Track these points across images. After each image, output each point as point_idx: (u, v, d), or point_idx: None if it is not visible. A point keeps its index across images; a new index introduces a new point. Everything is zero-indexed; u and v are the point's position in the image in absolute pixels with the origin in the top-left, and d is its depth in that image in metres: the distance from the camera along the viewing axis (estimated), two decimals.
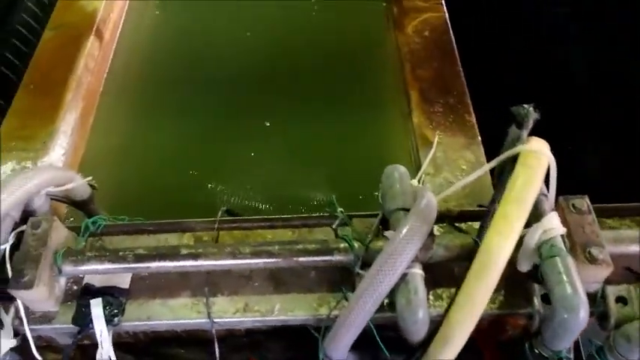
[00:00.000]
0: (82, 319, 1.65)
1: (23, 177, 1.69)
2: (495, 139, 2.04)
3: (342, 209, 1.72)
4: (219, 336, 1.68)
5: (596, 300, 1.56)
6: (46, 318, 1.68)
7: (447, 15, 2.56)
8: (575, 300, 1.34)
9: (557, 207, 1.57)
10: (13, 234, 1.70)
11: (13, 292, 1.56)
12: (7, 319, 1.64)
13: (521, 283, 1.58)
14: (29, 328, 1.64)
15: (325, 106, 2.86)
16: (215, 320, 1.63)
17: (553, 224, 1.44)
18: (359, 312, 1.42)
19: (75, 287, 1.73)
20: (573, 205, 1.58)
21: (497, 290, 1.41)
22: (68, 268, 1.64)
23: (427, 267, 1.54)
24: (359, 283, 1.47)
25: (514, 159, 1.53)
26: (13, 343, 1.63)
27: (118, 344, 1.72)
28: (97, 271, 1.64)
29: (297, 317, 1.63)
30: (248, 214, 2.52)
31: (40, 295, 1.59)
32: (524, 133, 1.47)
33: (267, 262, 1.58)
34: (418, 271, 1.48)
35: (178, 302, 1.67)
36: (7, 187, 1.64)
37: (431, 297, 1.61)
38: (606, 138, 3.05)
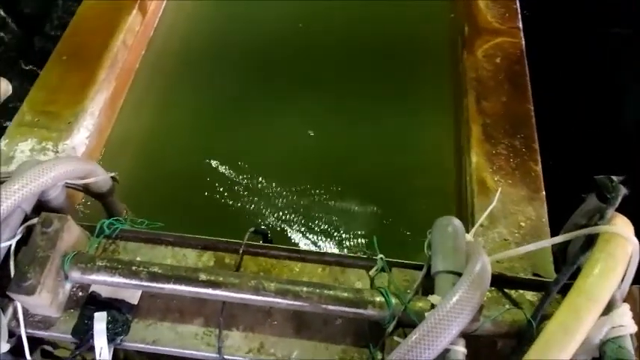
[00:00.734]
0: (83, 332, 1.57)
1: (40, 169, 1.60)
2: (561, 193, 1.91)
3: (382, 255, 1.59)
4: None
5: None
6: (46, 324, 1.60)
7: (523, 42, 2.38)
8: None
9: (629, 297, 1.42)
10: (21, 228, 1.61)
11: (13, 296, 1.48)
12: (4, 320, 1.56)
13: None
14: (26, 332, 1.56)
15: (370, 118, 2.76)
16: (225, 357, 1.53)
17: (624, 321, 1.30)
18: None
19: (80, 293, 1.65)
20: None
21: None
22: (75, 275, 1.55)
23: (468, 336, 1.42)
24: (391, 350, 1.35)
25: (590, 236, 1.39)
26: (6, 348, 1.55)
27: None
28: (105, 283, 1.55)
29: None
30: (282, 211, 2.48)
31: (41, 302, 1.51)
32: (609, 211, 1.32)
33: (291, 304, 1.47)
34: (461, 349, 1.35)
35: (188, 329, 1.58)
36: (21, 179, 1.56)
37: None
38: None
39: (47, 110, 2.17)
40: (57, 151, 2.05)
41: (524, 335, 1.43)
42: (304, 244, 2.42)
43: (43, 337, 1.61)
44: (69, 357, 1.55)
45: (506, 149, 2.01)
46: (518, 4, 2.54)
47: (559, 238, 1.49)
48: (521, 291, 1.60)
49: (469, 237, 1.54)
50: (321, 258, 1.68)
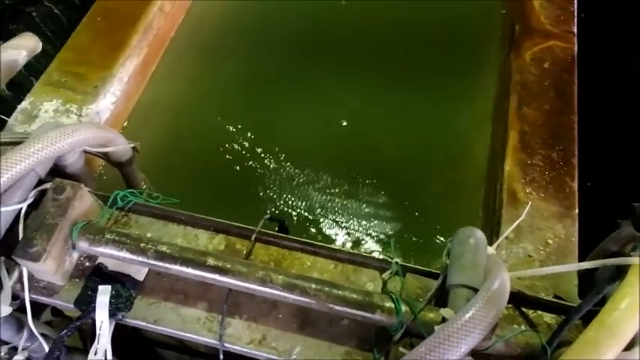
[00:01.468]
0: (86, 303, 1.57)
1: (58, 133, 1.59)
2: (595, 214, 1.83)
3: (398, 259, 1.54)
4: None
5: None
6: (50, 290, 1.61)
7: (576, 48, 2.27)
8: None
9: None
10: (34, 192, 1.61)
11: (19, 260, 1.48)
12: (8, 282, 1.57)
13: None
14: (30, 297, 1.57)
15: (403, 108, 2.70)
16: (225, 345, 1.51)
17: None
18: None
19: (87, 264, 1.64)
20: None
21: None
22: (83, 246, 1.55)
23: (476, 354, 1.38)
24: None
25: (620, 266, 1.33)
26: (8, 311, 1.56)
27: None
28: (112, 256, 1.54)
29: None
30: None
31: (46, 269, 1.51)
32: None
33: (297, 300, 1.44)
34: None
35: (191, 313, 1.56)
36: (38, 142, 1.55)
37: None
38: None
39: (75, 71, 2.16)
40: (80, 115, 2.04)
41: None
42: (321, 235, 2.39)
43: (46, 303, 1.61)
44: (70, 327, 1.55)
45: (542, 161, 1.92)
46: (575, 7, 2.41)
47: (586, 264, 1.42)
48: (539, 312, 1.54)
49: (491, 249, 1.48)
50: (334, 254, 1.65)
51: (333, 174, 2.54)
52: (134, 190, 1.74)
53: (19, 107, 2.04)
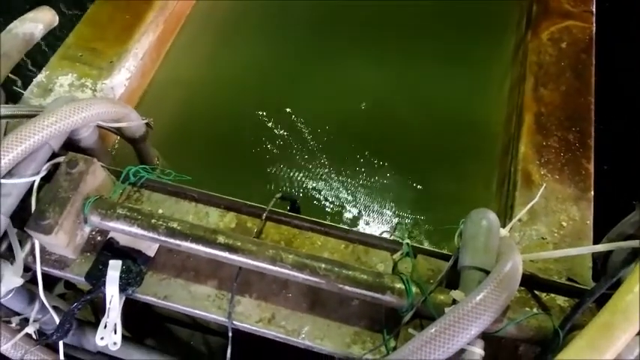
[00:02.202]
0: (97, 278, 1.53)
1: (72, 107, 1.54)
2: (611, 196, 1.75)
3: (408, 241, 1.48)
4: None
5: None
6: (61, 263, 1.57)
7: (594, 28, 2.15)
8: None
9: None
10: (47, 165, 1.57)
11: (31, 233, 1.45)
12: (21, 254, 1.53)
13: None
14: (41, 270, 1.53)
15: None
16: (234, 322, 1.47)
17: None
18: None
19: (99, 238, 1.60)
20: None
21: None
22: (95, 220, 1.50)
23: (487, 337, 1.32)
24: (405, 341, 1.26)
25: (636, 249, 1.25)
26: (19, 282, 1.52)
27: None
28: (123, 232, 1.49)
29: (324, 348, 1.44)
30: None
31: (58, 242, 1.47)
32: None
33: (307, 279, 1.39)
34: (478, 350, 1.24)
35: (202, 290, 1.52)
36: (52, 116, 1.50)
37: None
38: None
39: (92, 47, 2.10)
40: (95, 90, 1.99)
41: (550, 344, 1.31)
42: (335, 213, 2.33)
43: (57, 276, 1.58)
44: (80, 300, 1.51)
45: (558, 142, 1.83)
46: None
47: (601, 247, 1.35)
48: (552, 295, 1.48)
49: (504, 232, 1.41)
50: (345, 234, 1.59)
51: (351, 152, 2.46)
52: (146, 166, 1.69)
53: (35, 80, 1.99)
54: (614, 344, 1.12)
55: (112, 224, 1.49)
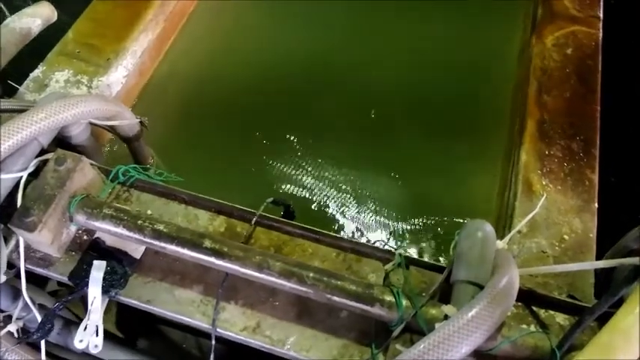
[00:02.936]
0: (80, 278, 1.45)
1: (63, 103, 1.47)
2: (616, 209, 1.65)
3: (401, 251, 1.38)
4: None
5: None
6: (45, 262, 1.50)
7: (601, 34, 2.04)
8: None
9: None
10: (35, 161, 1.49)
11: (15, 229, 1.38)
12: (5, 251, 1.46)
13: None
14: (25, 267, 1.46)
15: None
16: (218, 330, 1.38)
17: None
18: None
19: (85, 237, 1.53)
20: None
21: None
22: (80, 219, 1.43)
23: (480, 355, 1.22)
24: (393, 357, 1.17)
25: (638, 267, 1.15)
26: (1, 279, 1.45)
27: None
28: (109, 232, 1.42)
29: (310, 359, 1.34)
30: None
31: (42, 240, 1.40)
32: None
33: (294, 288, 1.31)
34: None
35: (186, 295, 1.44)
36: (41, 111, 1.43)
37: None
38: None
39: (90, 43, 2.03)
40: (90, 87, 1.91)
41: None
42: (333, 216, 2.23)
43: (41, 274, 1.50)
44: (61, 301, 1.43)
45: (561, 151, 1.73)
46: None
47: (602, 263, 1.26)
48: (551, 312, 1.37)
49: (501, 244, 1.32)
50: (337, 242, 1.50)
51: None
52: (137, 166, 1.62)
53: (31, 75, 1.92)
54: None
55: (97, 224, 1.42)
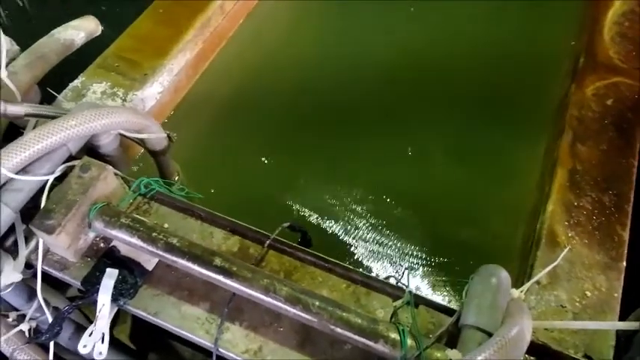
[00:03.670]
0: (92, 284, 1.50)
1: (94, 112, 1.54)
2: None
3: (411, 289, 1.38)
4: None
5: None
6: (61, 265, 1.56)
7: None
8: None
9: None
10: (62, 167, 1.57)
11: (35, 230, 1.44)
12: (24, 251, 1.52)
13: None
14: (42, 269, 1.52)
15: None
16: (220, 350, 1.40)
17: None
18: None
19: (102, 245, 1.58)
20: None
21: None
22: (98, 225, 1.48)
23: None
24: None
25: None
26: (18, 278, 1.52)
27: None
28: (124, 241, 1.46)
29: None
30: None
31: (59, 243, 1.46)
32: None
33: (298, 315, 1.32)
34: None
35: (192, 311, 1.46)
36: (72, 119, 1.50)
37: None
38: None
39: (129, 58, 2.13)
40: (125, 100, 2.00)
41: None
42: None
43: (56, 276, 1.56)
44: (71, 305, 1.48)
45: (591, 204, 1.70)
46: None
47: (622, 324, 1.23)
48: None
49: (516, 293, 1.30)
50: (348, 274, 1.51)
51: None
52: (159, 179, 1.67)
53: (71, 85, 2.02)
54: None
55: (114, 232, 1.47)
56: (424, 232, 2.22)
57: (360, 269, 1.50)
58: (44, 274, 1.56)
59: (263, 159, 2.49)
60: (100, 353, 1.49)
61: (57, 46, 1.88)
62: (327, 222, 2.34)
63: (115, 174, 1.62)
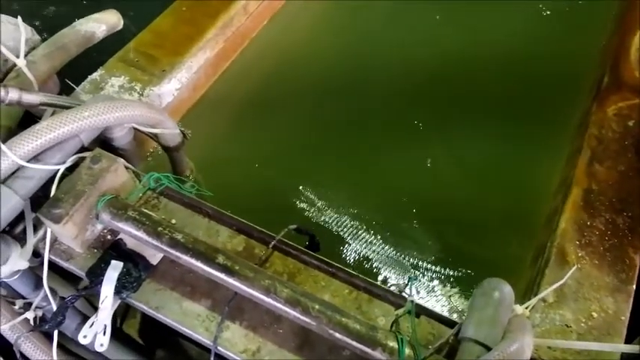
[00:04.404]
0: (96, 275, 1.53)
1: (108, 105, 1.58)
2: None
3: (413, 299, 1.39)
4: None
5: None
6: (67, 255, 1.59)
7: None
8: None
9: None
10: (74, 157, 1.61)
11: (42, 218, 1.48)
12: (33, 239, 1.57)
13: None
14: (49, 258, 1.56)
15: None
16: (218, 348, 1.42)
17: None
18: None
19: (109, 237, 1.62)
20: None
21: None
22: (105, 217, 1.52)
23: None
24: None
25: None
26: (24, 265, 1.56)
27: None
28: (130, 234, 1.50)
29: None
30: None
31: (66, 232, 1.50)
32: None
33: (297, 317, 1.33)
34: None
35: (193, 308, 1.49)
36: (86, 110, 1.54)
37: None
38: None
39: (149, 53, 2.18)
40: (142, 94, 2.05)
41: None
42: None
43: (61, 266, 1.59)
44: (74, 295, 1.52)
45: (604, 224, 1.69)
46: None
47: (626, 347, 1.22)
48: None
49: (520, 309, 1.30)
50: (351, 279, 1.52)
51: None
52: (169, 175, 1.70)
53: (89, 77, 2.07)
54: None
55: (120, 225, 1.50)
56: (433, 242, 2.23)
57: (364, 276, 1.52)
58: (53, 265, 1.60)
59: (280, 160, 2.52)
60: (102, 345, 1.52)
61: (77, 38, 1.93)
62: (337, 226, 2.35)
63: (126, 167, 1.66)
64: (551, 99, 2.64)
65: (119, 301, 1.53)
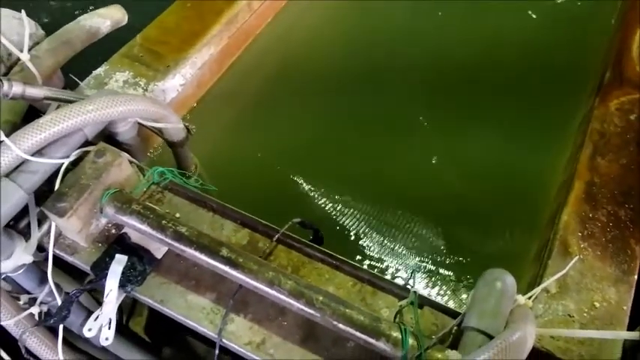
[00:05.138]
0: (100, 269, 1.54)
1: (111, 99, 1.59)
2: None
3: (416, 290, 1.40)
4: None
5: None
6: (72, 249, 1.60)
7: None
8: None
9: None
10: (78, 151, 1.62)
11: (46, 212, 1.49)
12: (37, 233, 1.57)
13: None
14: (53, 252, 1.57)
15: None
16: (223, 341, 1.43)
17: None
18: None
19: (114, 231, 1.63)
20: None
21: None
22: (110, 211, 1.52)
23: None
24: None
25: None
26: (29, 259, 1.57)
27: None
28: (134, 228, 1.50)
29: None
30: None
31: (70, 226, 1.51)
32: None
33: (302, 309, 1.34)
34: None
35: (198, 301, 1.50)
36: (89, 104, 1.55)
37: None
38: None
39: (154, 49, 2.19)
40: (146, 90, 2.06)
41: None
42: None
43: (66, 260, 1.60)
44: (79, 289, 1.53)
45: (606, 216, 1.69)
46: None
47: (626, 334, 1.23)
48: None
49: (522, 299, 1.30)
50: (355, 272, 1.53)
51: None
52: (174, 170, 1.71)
53: (94, 72, 2.09)
54: None
55: (124, 218, 1.51)
56: (438, 235, 2.24)
57: (368, 268, 1.53)
58: (57, 261, 1.61)
59: (284, 156, 2.53)
60: (107, 339, 1.53)
61: (82, 33, 1.93)
62: (341, 220, 2.36)
63: (130, 162, 1.66)
64: (556, 93, 2.64)
65: (124, 295, 1.53)
